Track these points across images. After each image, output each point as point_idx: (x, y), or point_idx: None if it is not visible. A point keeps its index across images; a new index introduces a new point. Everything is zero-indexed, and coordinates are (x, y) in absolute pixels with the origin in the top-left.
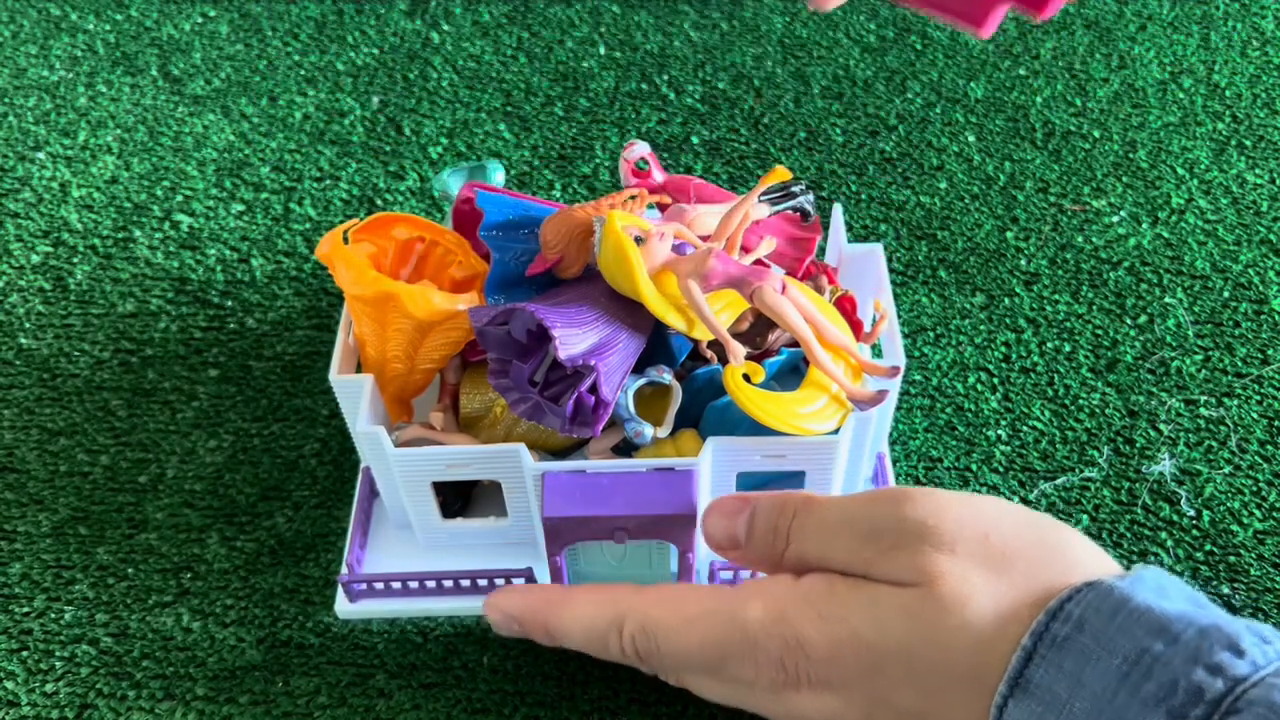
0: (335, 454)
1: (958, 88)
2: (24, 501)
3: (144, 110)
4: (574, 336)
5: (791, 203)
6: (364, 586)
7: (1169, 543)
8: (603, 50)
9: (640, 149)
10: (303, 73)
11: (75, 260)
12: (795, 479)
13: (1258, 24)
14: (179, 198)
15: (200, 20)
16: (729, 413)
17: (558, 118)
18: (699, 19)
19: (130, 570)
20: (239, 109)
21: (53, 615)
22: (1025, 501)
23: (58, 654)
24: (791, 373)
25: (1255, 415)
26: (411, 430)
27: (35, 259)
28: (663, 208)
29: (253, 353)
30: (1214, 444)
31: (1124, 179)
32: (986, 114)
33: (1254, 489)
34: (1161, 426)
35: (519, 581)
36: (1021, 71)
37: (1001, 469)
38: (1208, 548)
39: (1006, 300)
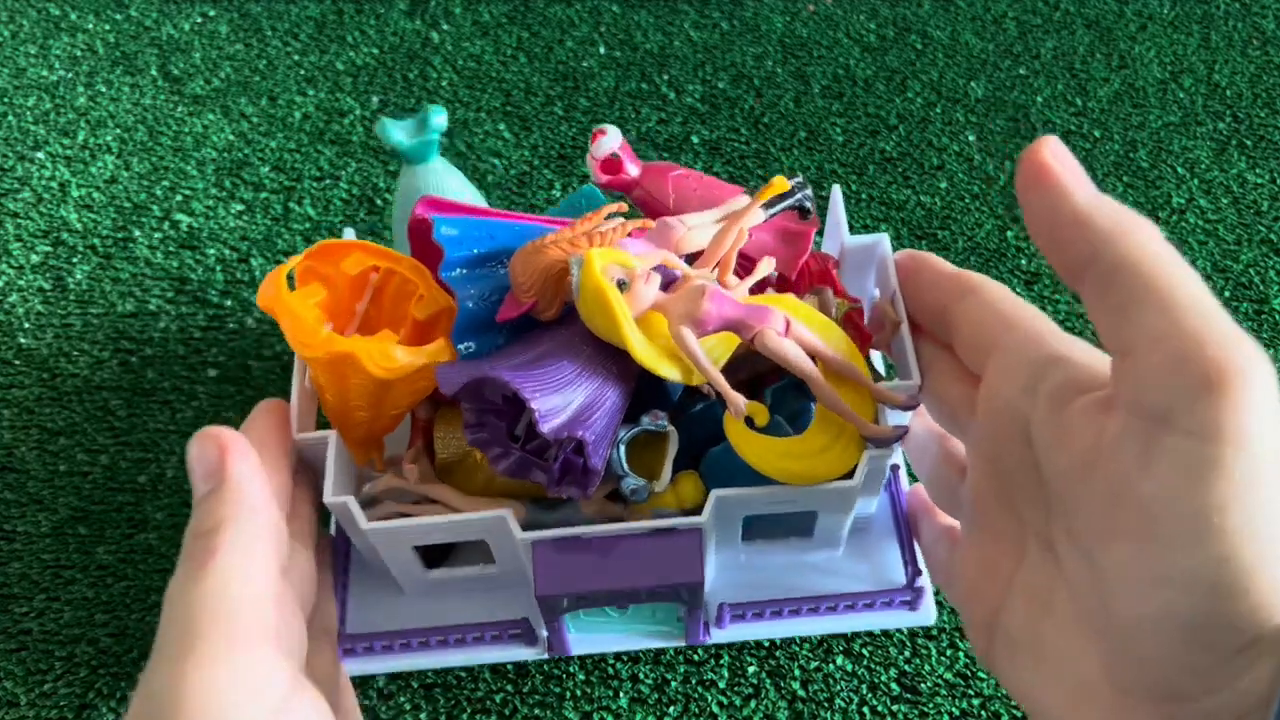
0: None
1: (958, 87)
2: (23, 501)
3: (144, 110)
4: (554, 405)
5: (789, 202)
6: (353, 647)
7: None
8: (603, 50)
9: (609, 144)
10: (302, 72)
11: (75, 260)
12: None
13: (1258, 23)
14: (179, 197)
15: (200, 20)
16: (732, 458)
17: (558, 117)
18: (699, 18)
19: (130, 570)
20: (239, 109)
21: (52, 615)
22: None
23: (57, 654)
24: (795, 391)
25: None
26: (384, 481)
27: (35, 259)
28: (647, 214)
29: (252, 352)
30: None
31: (1124, 179)
32: (987, 113)
33: None
34: None
35: (515, 633)
36: (1022, 71)
37: None
38: None
39: None
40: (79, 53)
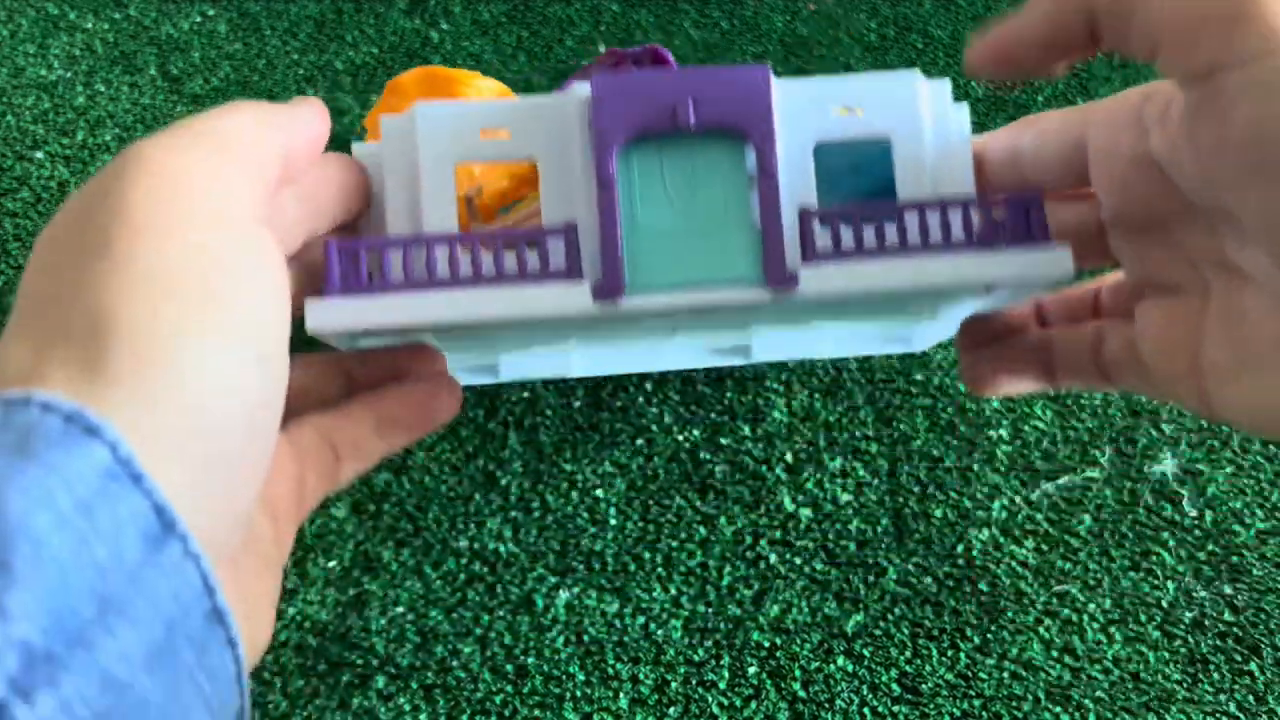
0: None
1: (959, 86)
2: None
3: (143, 109)
4: None
5: None
6: (359, 266)
7: (1171, 543)
8: (602, 48)
9: None
10: (301, 71)
11: None
12: (880, 165)
13: None
14: None
15: (199, 19)
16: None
17: None
18: (699, 18)
19: None
20: None
21: None
22: (1027, 502)
23: None
24: (851, 171)
25: None
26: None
27: None
28: None
29: None
30: (1216, 444)
31: None
32: (988, 113)
33: (1256, 489)
34: (1164, 426)
35: (559, 239)
36: None
37: (1003, 469)
38: (1210, 548)
39: None
40: (78, 52)
